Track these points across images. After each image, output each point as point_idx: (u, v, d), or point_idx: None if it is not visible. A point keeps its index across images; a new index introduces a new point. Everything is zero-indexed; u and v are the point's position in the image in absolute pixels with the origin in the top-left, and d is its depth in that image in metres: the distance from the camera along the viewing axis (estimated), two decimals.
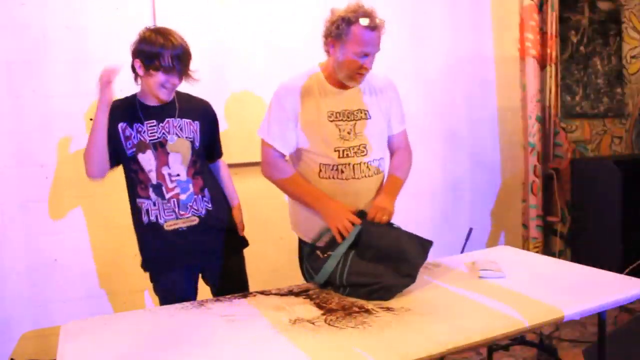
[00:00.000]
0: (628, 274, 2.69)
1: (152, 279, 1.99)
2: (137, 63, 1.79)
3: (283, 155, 1.95)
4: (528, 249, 3.62)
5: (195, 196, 1.89)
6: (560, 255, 3.84)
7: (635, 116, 4.17)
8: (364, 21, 1.87)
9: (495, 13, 3.60)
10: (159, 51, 1.74)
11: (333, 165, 1.90)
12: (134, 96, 1.90)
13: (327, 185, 1.91)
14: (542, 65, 3.68)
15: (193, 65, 1.87)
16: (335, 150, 1.89)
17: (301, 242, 2.08)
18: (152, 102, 1.87)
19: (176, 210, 1.86)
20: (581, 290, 1.70)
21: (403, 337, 1.37)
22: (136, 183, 1.87)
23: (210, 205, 1.93)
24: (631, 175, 3.54)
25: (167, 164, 1.84)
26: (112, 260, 2.74)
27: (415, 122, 3.44)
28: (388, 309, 1.56)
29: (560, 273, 1.90)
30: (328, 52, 1.96)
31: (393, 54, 3.33)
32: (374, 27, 1.89)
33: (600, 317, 1.73)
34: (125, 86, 2.70)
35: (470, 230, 2.46)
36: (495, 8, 3.59)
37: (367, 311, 1.55)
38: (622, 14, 4.10)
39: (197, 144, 1.91)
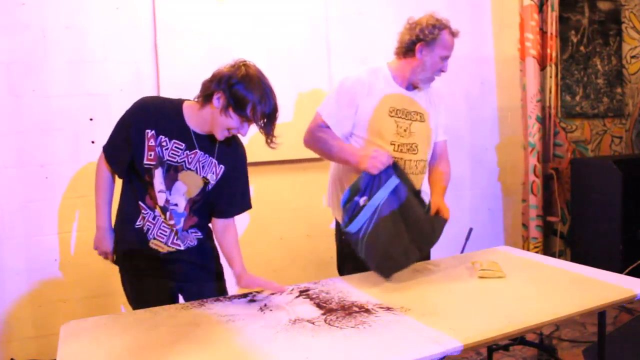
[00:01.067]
0: (628, 274, 2.69)
1: (122, 278, 1.88)
2: (220, 96, 1.60)
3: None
4: (528, 249, 3.63)
5: (191, 232, 1.80)
6: (560, 255, 3.84)
7: (635, 116, 4.17)
8: (450, 26, 2.11)
9: (495, 13, 3.60)
10: (252, 101, 1.58)
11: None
12: (179, 109, 1.71)
13: None
14: (542, 65, 3.68)
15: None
16: (391, 144, 2.03)
17: (338, 225, 2.16)
18: (194, 126, 1.70)
19: (172, 238, 1.76)
20: (581, 290, 1.70)
21: (403, 337, 1.37)
22: (147, 191, 1.73)
23: (198, 241, 1.83)
24: (631, 175, 3.54)
25: (169, 190, 1.72)
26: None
27: None
28: (388, 309, 1.56)
29: (560, 273, 1.90)
30: (404, 55, 2.10)
31: (393, 54, 3.33)
32: (456, 34, 2.11)
33: (600, 317, 1.73)
34: (126, 87, 2.72)
35: (470, 230, 2.45)
36: (495, 8, 3.59)
37: (367, 311, 1.55)
38: (622, 14, 4.10)
39: (209, 187, 1.76)
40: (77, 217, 2.67)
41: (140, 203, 1.75)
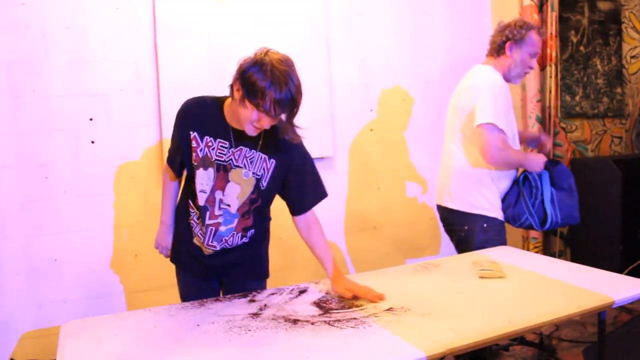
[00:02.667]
0: (628, 274, 2.69)
1: (178, 277, 1.95)
2: (237, 87, 1.54)
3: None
4: (528, 249, 3.62)
5: (235, 232, 1.74)
6: (560, 255, 3.84)
7: (635, 116, 4.17)
8: (537, 27, 2.34)
9: (495, 13, 3.60)
10: (266, 92, 1.47)
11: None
12: (220, 107, 1.69)
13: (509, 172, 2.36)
14: (542, 65, 3.68)
15: (296, 116, 1.57)
16: (514, 135, 2.36)
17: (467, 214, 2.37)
18: (233, 122, 1.66)
19: (207, 238, 1.73)
20: (581, 290, 1.70)
21: (403, 337, 1.37)
22: (194, 191, 1.73)
23: (246, 244, 1.80)
24: (631, 175, 3.54)
25: (223, 189, 1.69)
26: (113, 260, 2.74)
27: (416, 122, 3.45)
28: (388, 309, 1.56)
29: (560, 273, 1.90)
30: (497, 55, 2.35)
31: (393, 54, 3.34)
32: (543, 34, 2.36)
33: (600, 317, 1.73)
34: (126, 87, 2.72)
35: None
36: (495, 8, 3.59)
37: (367, 311, 1.55)
38: (622, 14, 4.10)
39: (264, 183, 1.70)
40: (77, 217, 2.67)
41: (190, 202, 1.78)
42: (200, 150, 1.67)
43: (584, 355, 2.67)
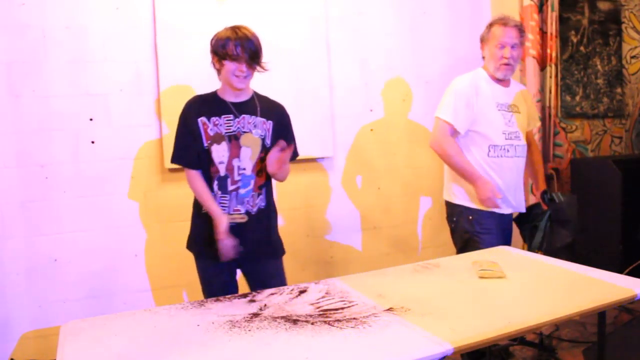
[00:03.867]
0: (628, 274, 2.69)
1: (196, 266, 2.11)
2: (214, 58, 1.96)
3: (455, 134, 2.40)
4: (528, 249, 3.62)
5: (253, 192, 2.01)
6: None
7: (635, 116, 4.17)
8: (499, 20, 2.42)
9: (495, 13, 3.59)
10: (226, 41, 1.90)
11: (502, 146, 2.40)
12: (214, 93, 2.05)
13: (494, 162, 2.41)
14: (542, 65, 3.68)
15: (264, 58, 1.99)
16: (502, 133, 2.40)
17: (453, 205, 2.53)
18: (230, 97, 2.01)
19: (232, 203, 1.98)
20: (581, 290, 1.70)
21: (403, 337, 1.37)
22: (210, 171, 1.99)
23: (263, 204, 2.05)
24: (631, 175, 3.53)
25: (238, 156, 1.97)
26: (112, 260, 2.74)
27: (416, 121, 3.45)
28: (388, 309, 1.56)
29: (560, 273, 1.90)
30: (483, 58, 2.51)
31: (393, 54, 3.34)
32: (506, 23, 2.39)
33: (600, 317, 1.73)
34: (126, 87, 2.72)
35: None
36: (495, 8, 3.59)
37: (367, 311, 1.55)
38: (622, 14, 4.10)
39: (268, 141, 2.02)
40: (77, 217, 2.67)
41: (208, 181, 2.00)
42: (210, 130, 1.97)
43: (584, 355, 2.67)
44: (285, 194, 3.05)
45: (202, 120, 1.97)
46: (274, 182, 2.12)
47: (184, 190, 2.84)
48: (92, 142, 2.67)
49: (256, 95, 2.07)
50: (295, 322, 1.49)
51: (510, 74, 2.46)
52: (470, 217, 2.42)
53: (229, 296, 1.75)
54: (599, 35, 4.00)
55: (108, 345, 1.38)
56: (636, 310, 3.17)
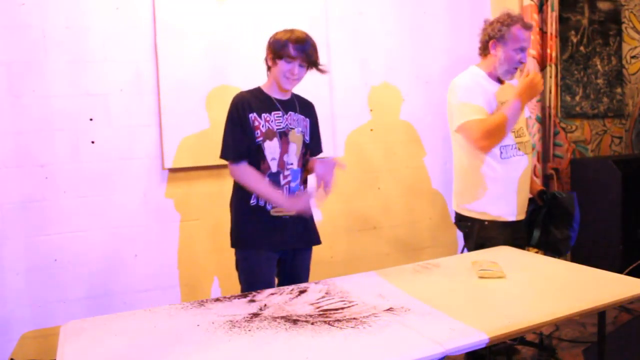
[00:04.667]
0: (628, 274, 2.68)
1: (239, 258, 2.10)
2: (268, 55, 2.03)
3: None
4: (528, 249, 3.62)
5: (300, 186, 2.10)
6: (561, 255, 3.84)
7: (635, 116, 4.17)
8: (519, 21, 2.29)
9: (495, 13, 3.59)
10: (285, 42, 1.97)
11: (512, 145, 2.30)
12: (258, 89, 2.09)
13: (508, 163, 2.29)
14: (542, 65, 3.68)
15: (320, 59, 2.10)
16: (512, 131, 2.29)
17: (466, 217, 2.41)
18: (276, 94, 2.08)
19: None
20: (581, 290, 1.70)
21: (403, 337, 1.37)
22: (260, 166, 2.02)
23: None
24: (631, 175, 3.53)
25: (287, 152, 2.04)
26: (112, 260, 2.74)
27: (416, 122, 3.45)
28: (388, 309, 1.56)
29: (560, 273, 1.90)
30: (484, 54, 2.37)
31: (393, 54, 3.34)
32: (527, 27, 2.29)
33: (600, 317, 1.73)
34: (126, 87, 2.72)
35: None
36: (495, 8, 3.59)
37: (367, 311, 1.55)
38: (622, 14, 4.10)
39: (307, 137, 2.13)
40: (77, 217, 2.67)
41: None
42: (263, 126, 2.00)
43: (584, 355, 2.67)
44: None
45: (253, 116, 2.00)
46: None
47: (184, 190, 2.85)
48: (92, 142, 2.67)
49: (294, 94, 2.16)
50: (295, 322, 1.49)
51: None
52: (486, 223, 2.31)
53: (228, 296, 1.75)
54: (599, 35, 4.00)
55: (108, 345, 1.39)
56: (636, 310, 3.17)
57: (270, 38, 2.04)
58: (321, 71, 2.10)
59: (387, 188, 3.37)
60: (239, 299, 1.71)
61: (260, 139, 2.00)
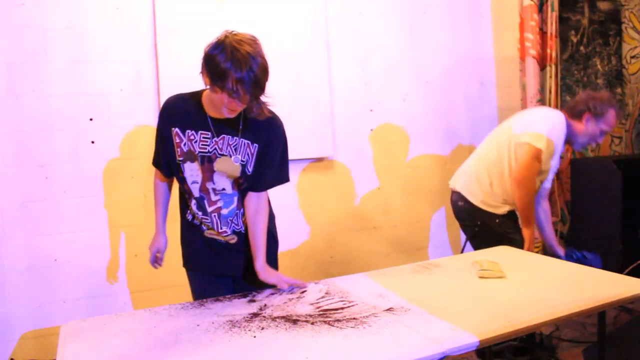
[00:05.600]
0: (628, 274, 2.68)
1: (188, 278, 1.94)
2: (204, 72, 1.56)
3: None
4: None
5: (237, 211, 1.78)
6: None
7: (635, 116, 4.17)
8: (616, 106, 2.43)
9: (495, 13, 3.60)
10: (225, 73, 1.48)
11: (548, 179, 2.50)
12: (199, 97, 1.70)
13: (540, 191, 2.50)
14: (542, 65, 3.68)
15: (267, 89, 1.57)
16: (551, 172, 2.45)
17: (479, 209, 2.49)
18: (212, 112, 1.67)
19: (216, 225, 1.78)
20: (581, 290, 1.70)
21: (403, 337, 1.37)
22: (182, 190, 1.79)
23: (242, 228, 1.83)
24: (631, 175, 3.53)
25: (211, 180, 1.71)
26: (112, 260, 2.74)
27: (416, 122, 3.45)
28: (388, 309, 1.56)
29: (560, 273, 1.90)
30: (573, 118, 2.43)
31: (393, 54, 3.34)
32: (620, 115, 2.37)
33: (600, 317, 1.73)
34: (126, 87, 2.72)
35: None
36: (495, 8, 3.59)
37: (367, 311, 1.55)
38: (622, 14, 4.10)
39: (249, 168, 1.71)
40: (77, 217, 2.67)
41: (187, 197, 1.79)
42: (184, 145, 1.68)
43: (584, 355, 2.67)
44: (285, 194, 3.05)
45: (175, 131, 1.68)
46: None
47: None
48: (92, 142, 2.67)
49: (246, 109, 1.64)
50: (295, 322, 1.49)
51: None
52: (497, 220, 2.43)
53: (228, 296, 1.75)
54: (599, 35, 4.00)
55: (108, 345, 1.38)
56: (636, 310, 3.17)
57: (206, 48, 1.55)
58: (261, 112, 1.63)
59: (387, 188, 3.37)
60: (239, 299, 1.71)
61: (181, 158, 1.69)
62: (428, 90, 3.42)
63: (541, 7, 3.64)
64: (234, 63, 1.47)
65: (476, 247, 2.49)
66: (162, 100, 2.74)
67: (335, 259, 3.24)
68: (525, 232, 2.40)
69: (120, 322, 1.56)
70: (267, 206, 1.83)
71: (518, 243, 2.38)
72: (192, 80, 2.77)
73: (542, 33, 3.66)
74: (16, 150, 2.55)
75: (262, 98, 1.59)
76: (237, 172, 1.70)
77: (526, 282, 1.80)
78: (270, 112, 1.70)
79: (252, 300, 1.69)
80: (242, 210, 1.79)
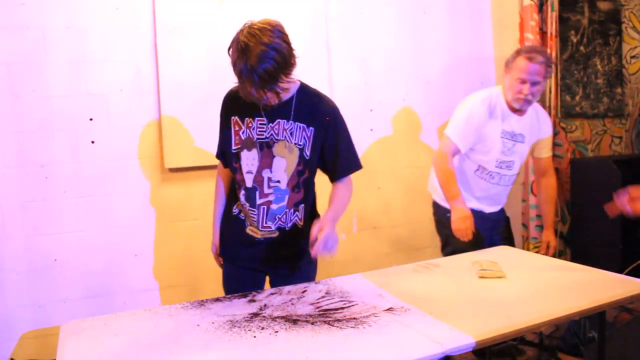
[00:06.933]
0: (628, 274, 2.68)
1: (222, 270, 1.96)
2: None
3: (457, 153, 2.40)
4: (528, 249, 3.62)
5: (287, 210, 1.78)
6: (560, 255, 3.84)
7: (635, 116, 4.17)
8: (526, 52, 2.33)
9: (495, 13, 3.60)
10: (232, 63, 1.57)
11: (489, 172, 2.44)
12: None
13: (477, 182, 2.48)
14: None
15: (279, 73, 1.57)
16: (495, 161, 2.42)
17: (436, 204, 2.62)
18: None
19: (262, 219, 1.76)
20: (581, 290, 1.70)
21: (403, 337, 1.37)
22: (234, 181, 1.82)
23: (300, 222, 1.83)
24: (631, 175, 3.53)
25: (270, 167, 1.71)
26: (112, 260, 2.74)
27: (415, 121, 3.45)
28: (388, 309, 1.56)
29: (560, 273, 1.90)
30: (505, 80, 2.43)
31: (393, 54, 3.34)
32: (532, 58, 2.29)
33: (600, 317, 1.73)
34: (126, 87, 2.72)
35: None
36: (495, 8, 3.59)
37: (367, 311, 1.55)
38: (622, 14, 4.10)
39: (307, 152, 1.72)
40: (77, 217, 2.67)
41: (237, 188, 1.80)
42: (243, 133, 1.72)
43: (584, 355, 2.67)
44: None
45: (234, 119, 1.73)
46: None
47: (184, 190, 2.85)
48: (92, 142, 2.67)
49: (299, 92, 1.71)
50: (295, 322, 1.49)
51: (527, 107, 2.40)
52: (448, 215, 2.40)
53: (229, 296, 1.75)
54: (599, 35, 4.00)
55: (108, 345, 1.39)
56: (636, 310, 3.17)
57: (232, 42, 1.61)
58: (281, 90, 1.62)
59: (387, 188, 3.37)
60: (239, 299, 1.71)
61: (238, 146, 1.73)
62: (428, 90, 3.42)
63: (541, 7, 3.64)
64: (235, 55, 1.56)
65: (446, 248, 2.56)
66: (162, 100, 2.75)
67: (335, 259, 3.23)
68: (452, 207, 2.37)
69: (120, 322, 1.56)
70: (345, 186, 1.83)
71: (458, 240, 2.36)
72: (192, 80, 2.80)
73: (542, 33, 3.66)
74: (16, 150, 2.55)
75: (283, 84, 1.59)
76: (295, 156, 1.71)
77: (526, 282, 1.80)
78: (317, 93, 1.75)
79: (252, 300, 1.69)
80: (292, 209, 1.79)
